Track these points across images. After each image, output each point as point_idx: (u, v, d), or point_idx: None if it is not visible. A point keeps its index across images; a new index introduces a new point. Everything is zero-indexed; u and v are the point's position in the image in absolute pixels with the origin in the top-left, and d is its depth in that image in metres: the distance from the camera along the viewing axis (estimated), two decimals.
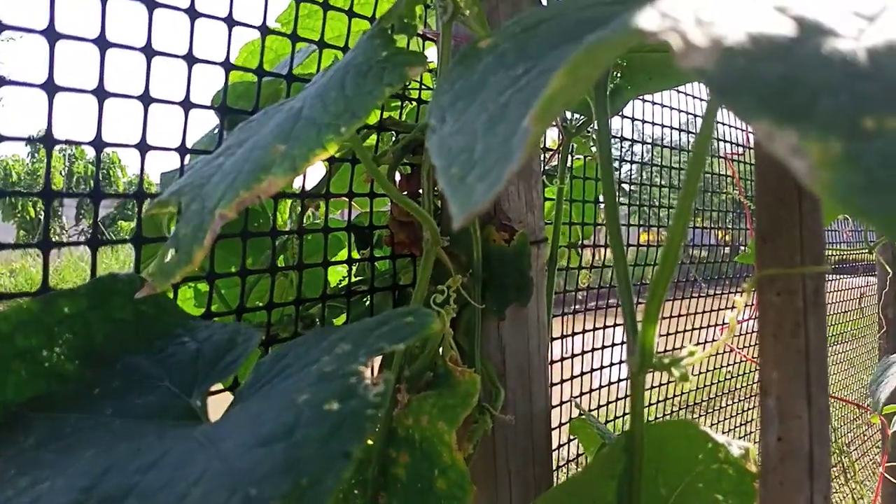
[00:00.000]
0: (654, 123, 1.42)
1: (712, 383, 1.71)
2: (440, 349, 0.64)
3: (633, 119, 1.33)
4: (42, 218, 0.56)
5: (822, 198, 0.18)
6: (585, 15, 0.35)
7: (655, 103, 1.44)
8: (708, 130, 0.38)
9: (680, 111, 1.56)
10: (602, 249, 1.21)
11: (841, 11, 0.22)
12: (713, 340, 1.61)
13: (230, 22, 0.58)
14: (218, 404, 0.53)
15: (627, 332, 0.45)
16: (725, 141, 1.75)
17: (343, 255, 0.86)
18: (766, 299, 0.40)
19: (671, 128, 1.50)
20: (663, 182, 1.54)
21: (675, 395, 1.51)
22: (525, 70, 0.32)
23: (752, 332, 1.85)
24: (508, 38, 0.36)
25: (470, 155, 0.29)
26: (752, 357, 1.81)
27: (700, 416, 1.66)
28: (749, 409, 1.92)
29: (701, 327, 1.56)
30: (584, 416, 0.85)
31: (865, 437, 2.71)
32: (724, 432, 1.74)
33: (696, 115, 1.64)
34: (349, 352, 0.38)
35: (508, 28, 0.37)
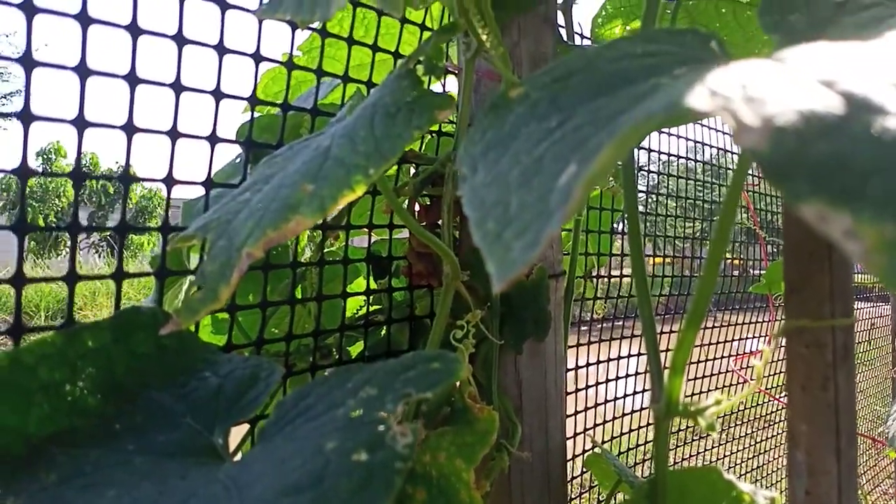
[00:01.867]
0: (660, 152, 1.42)
1: (725, 414, 1.70)
2: (458, 384, 0.63)
3: (648, 150, 1.33)
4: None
5: (881, 281, 0.17)
6: (617, 68, 0.35)
7: (663, 132, 1.44)
8: (736, 194, 0.38)
9: (687, 139, 1.56)
10: (611, 278, 1.21)
11: (886, 85, 0.22)
12: (727, 371, 1.60)
13: (257, 58, 0.59)
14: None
15: (652, 377, 0.45)
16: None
17: (360, 281, 0.87)
18: (794, 351, 0.40)
19: (677, 156, 1.50)
20: (670, 211, 1.53)
21: (686, 427, 1.50)
22: (558, 123, 0.32)
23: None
24: (539, 89, 0.36)
25: (505, 209, 0.29)
26: (767, 388, 1.80)
27: (713, 447, 1.64)
28: (763, 440, 1.90)
29: (715, 358, 1.55)
30: (598, 451, 0.84)
31: (878, 469, 2.68)
32: (734, 465, 1.72)
33: (701, 143, 1.64)
34: (375, 396, 0.38)
35: (539, 78, 0.38)
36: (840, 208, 0.18)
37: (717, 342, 1.56)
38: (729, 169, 1.80)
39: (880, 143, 0.20)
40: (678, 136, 1.50)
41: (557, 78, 0.36)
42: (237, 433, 0.62)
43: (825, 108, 0.20)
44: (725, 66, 0.24)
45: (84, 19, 0.48)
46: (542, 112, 0.34)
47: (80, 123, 0.48)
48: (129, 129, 0.51)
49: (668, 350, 1.19)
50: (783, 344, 0.41)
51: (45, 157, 16.74)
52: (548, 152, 0.30)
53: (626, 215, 0.54)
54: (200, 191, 0.61)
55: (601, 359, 1.15)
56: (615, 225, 1.19)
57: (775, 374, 1.86)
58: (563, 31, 0.89)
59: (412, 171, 0.81)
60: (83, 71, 0.48)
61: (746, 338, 1.69)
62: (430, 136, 0.87)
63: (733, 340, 1.62)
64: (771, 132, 0.19)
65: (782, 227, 0.41)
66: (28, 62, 0.46)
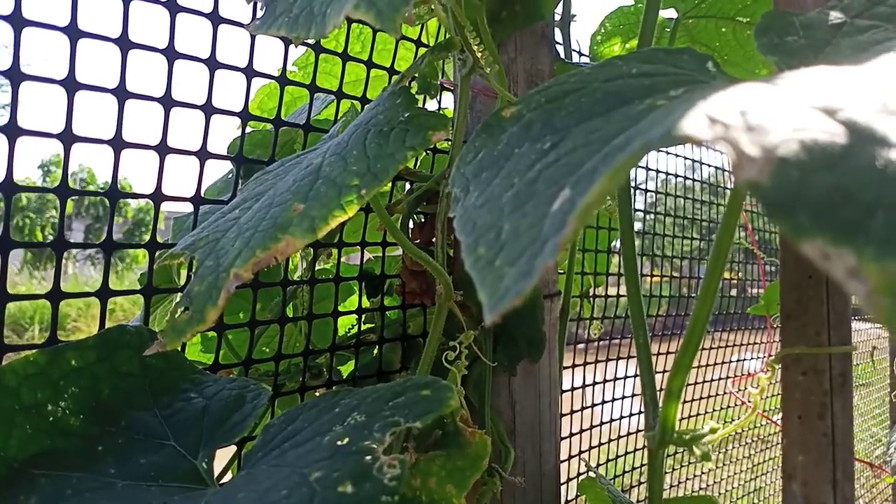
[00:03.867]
0: (658, 171, 1.42)
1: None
2: None
3: (646, 169, 1.32)
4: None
5: (883, 324, 0.17)
6: (611, 88, 0.34)
7: (661, 151, 1.44)
8: (731, 226, 0.37)
9: (685, 158, 1.57)
10: (608, 297, 1.20)
11: (889, 113, 0.21)
12: (725, 393, 1.58)
13: (249, 72, 0.58)
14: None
15: (646, 405, 0.44)
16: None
17: (353, 300, 0.85)
18: (791, 378, 0.39)
19: (675, 175, 1.50)
20: (668, 230, 1.53)
21: (684, 448, 1.48)
22: (552, 144, 0.32)
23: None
24: (533, 109, 0.36)
25: (497, 234, 0.28)
26: (765, 411, 1.78)
27: (711, 469, 1.63)
28: (762, 462, 1.88)
29: (713, 379, 1.54)
30: (592, 475, 0.83)
31: (876, 492, 2.66)
32: (732, 487, 1.71)
33: (699, 162, 1.64)
34: (363, 423, 0.37)
35: (533, 97, 0.37)
36: (843, 245, 0.17)
37: (715, 363, 1.55)
38: (726, 188, 1.80)
39: (885, 176, 0.19)
40: (676, 155, 1.50)
41: (552, 98, 0.36)
42: (227, 449, 0.61)
43: (828, 137, 0.19)
44: (723, 89, 0.23)
45: (73, 32, 0.47)
46: (535, 132, 0.34)
47: (67, 138, 0.47)
48: (118, 144, 0.50)
49: (664, 371, 1.18)
50: (779, 367, 0.40)
51: (45, 168, 16.73)
52: (541, 175, 0.30)
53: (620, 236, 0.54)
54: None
55: (597, 379, 1.14)
56: (612, 245, 1.18)
57: (775, 395, 1.85)
58: (560, 49, 0.89)
59: (406, 187, 0.80)
60: (71, 84, 0.47)
61: (744, 359, 1.67)
62: (425, 153, 0.86)
63: (731, 361, 1.61)
64: (772, 164, 0.18)
65: (779, 250, 0.40)
66: (15, 75, 0.45)
